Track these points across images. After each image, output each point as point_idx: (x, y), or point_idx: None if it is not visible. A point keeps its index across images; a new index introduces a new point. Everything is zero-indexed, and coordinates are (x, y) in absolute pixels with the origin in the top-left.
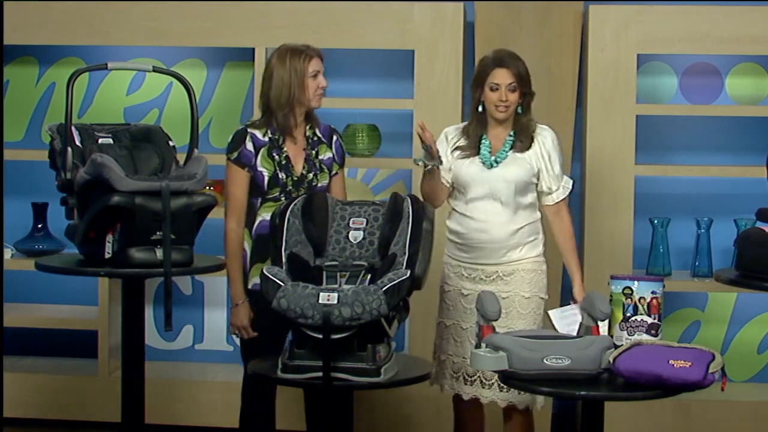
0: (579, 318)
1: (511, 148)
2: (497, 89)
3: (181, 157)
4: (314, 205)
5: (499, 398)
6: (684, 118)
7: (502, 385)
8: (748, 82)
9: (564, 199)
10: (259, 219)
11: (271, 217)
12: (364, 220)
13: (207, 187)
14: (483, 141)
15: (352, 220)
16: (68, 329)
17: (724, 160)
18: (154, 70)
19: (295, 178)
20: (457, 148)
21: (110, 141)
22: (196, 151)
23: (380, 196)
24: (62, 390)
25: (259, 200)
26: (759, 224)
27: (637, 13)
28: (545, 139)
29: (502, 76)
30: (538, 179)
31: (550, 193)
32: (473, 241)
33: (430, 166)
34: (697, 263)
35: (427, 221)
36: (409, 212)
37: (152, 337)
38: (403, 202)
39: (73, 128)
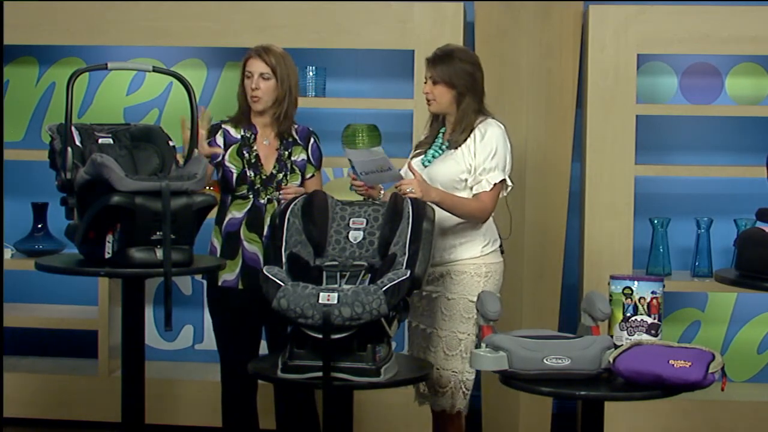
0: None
1: (441, 146)
2: (426, 82)
3: (181, 157)
4: (314, 205)
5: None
6: (684, 118)
7: (439, 389)
8: (748, 82)
9: (485, 191)
10: (228, 216)
11: (271, 217)
12: (364, 220)
13: (207, 187)
14: (437, 138)
15: (352, 220)
16: (68, 329)
17: (724, 160)
18: (154, 70)
19: (264, 177)
20: (417, 146)
21: (110, 141)
22: (196, 151)
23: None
24: (62, 390)
25: (229, 197)
26: (759, 224)
27: (637, 13)
28: (477, 135)
29: (426, 70)
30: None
31: (472, 187)
32: None
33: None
34: (697, 263)
35: (427, 221)
36: (409, 212)
37: (152, 337)
38: (403, 202)
39: (73, 128)
